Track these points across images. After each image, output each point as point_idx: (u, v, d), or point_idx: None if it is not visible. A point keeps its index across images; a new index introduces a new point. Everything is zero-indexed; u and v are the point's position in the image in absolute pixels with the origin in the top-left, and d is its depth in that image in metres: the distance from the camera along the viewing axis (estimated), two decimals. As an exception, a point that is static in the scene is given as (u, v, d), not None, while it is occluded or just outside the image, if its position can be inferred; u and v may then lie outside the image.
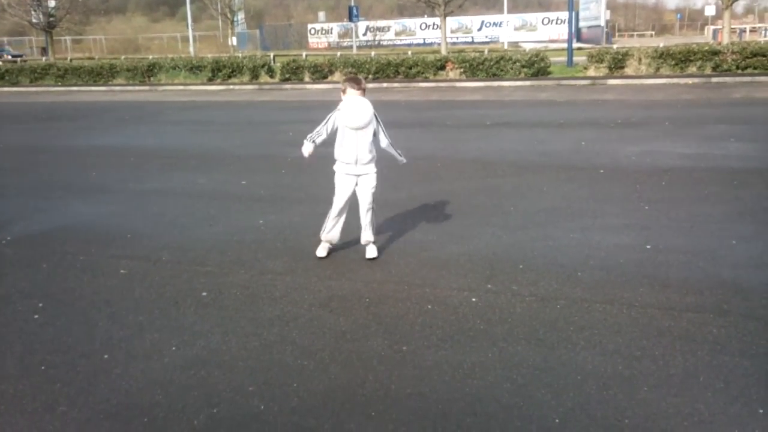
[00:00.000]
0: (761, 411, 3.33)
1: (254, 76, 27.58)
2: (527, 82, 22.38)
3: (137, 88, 28.19)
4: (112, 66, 30.25)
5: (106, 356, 4.21)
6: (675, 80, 20.54)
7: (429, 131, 13.43)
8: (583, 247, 5.89)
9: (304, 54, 32.31)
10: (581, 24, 50.70)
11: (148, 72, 29.31)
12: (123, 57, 40.83)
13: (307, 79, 26.49)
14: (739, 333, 4.17)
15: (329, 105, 16.34)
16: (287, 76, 26.86)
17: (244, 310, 4.87)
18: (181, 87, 27.52)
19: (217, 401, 3.67)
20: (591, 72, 22.89)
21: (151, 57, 37.33)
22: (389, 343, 4.25)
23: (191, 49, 45.32)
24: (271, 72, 27.59)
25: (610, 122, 13.23)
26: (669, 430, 3.22)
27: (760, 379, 3.62)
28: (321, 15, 64.80)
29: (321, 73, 26.35)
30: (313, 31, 60.55)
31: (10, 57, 49.03)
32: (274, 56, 30.98)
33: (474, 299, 4.87)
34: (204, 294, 5.18)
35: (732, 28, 29.15)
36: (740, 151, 9.78)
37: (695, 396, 3.50)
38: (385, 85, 24.17)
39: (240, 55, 33.42)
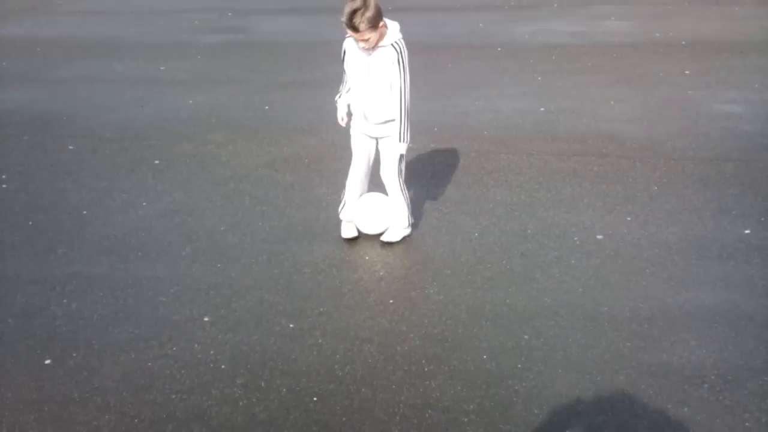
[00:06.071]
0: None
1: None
2: (423, -32, 22.66)
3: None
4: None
5: (85, 212, 4.78)
6: (562, -35, 21.38)
7: (335, 16, 13.75)
8: (487, 112, 6.75)
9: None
10: None
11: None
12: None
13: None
14: (615, 169, 5.18)
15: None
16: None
17: (197, 172, 5.48)
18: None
19: (195, 239, 4.37)
20: (483, -43, 23.37)
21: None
22: (331, 191, 5.01)
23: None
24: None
25: (504, 5, 14.00)
26: (562, 236, 4.20)
27: (627, 197, 4.64)
28: None
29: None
30: None
31: None
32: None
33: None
34: (156, 162, 5.72)
35: None
36: (620, 28, 10.80)
37: (580, 212, 4.49)
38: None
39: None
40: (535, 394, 2.90)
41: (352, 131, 4.16)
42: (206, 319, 3.53)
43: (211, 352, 3.27)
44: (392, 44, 3.82)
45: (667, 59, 8.54)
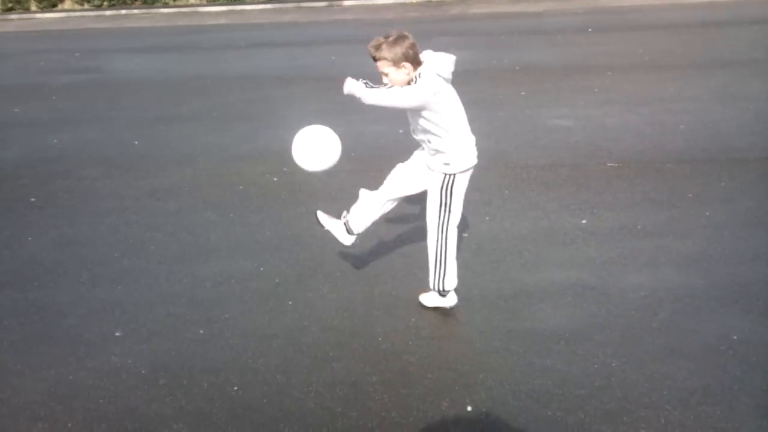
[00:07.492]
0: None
1: (-31, 5, 25.13)
2: (268, 6, 23.19)
3: None
4: None
5: (-31, 250, 4.80)
6: (401, 0, 22.69)
7: (188, 54, 13.97)
8: (351, 134, 7.28)
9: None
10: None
11: None
12: None
13: (34, 8, 24.78)
14: (470, 179, 5.84)
15: (65, 34, 15.75)
16: (10, 5, 24.88)
17: (78, 206, 5.61)
18: None
19: (90, 266, 4.55)
20: (327, -6, 24.26)
21: None
22: (217, 214, 5.32)
23: None
24: (-12, 0, 25.34)
25: (353, 39, 14.78)
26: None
27: (484, 201, 5.31)
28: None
29: (49, 0, 24.79)
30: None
31: None
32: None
33: (275, 178, 6.07)
34: (33, 199, 5.78)
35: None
36: (460, 57, 11.80)
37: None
38: (124, 12, 23.53)
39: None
40: (427, 363, 3.38)
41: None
42: (118, 334, 3.75)
43: (129, 361, 3.50)
44: (415, 77, 3.62)
45: (504, 83, 9.53)
